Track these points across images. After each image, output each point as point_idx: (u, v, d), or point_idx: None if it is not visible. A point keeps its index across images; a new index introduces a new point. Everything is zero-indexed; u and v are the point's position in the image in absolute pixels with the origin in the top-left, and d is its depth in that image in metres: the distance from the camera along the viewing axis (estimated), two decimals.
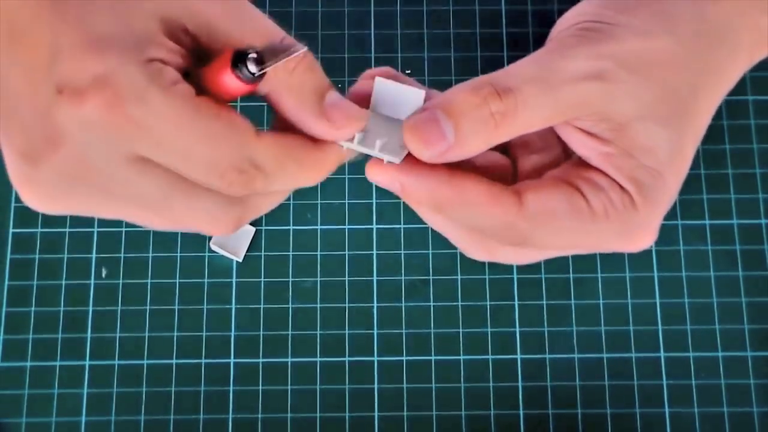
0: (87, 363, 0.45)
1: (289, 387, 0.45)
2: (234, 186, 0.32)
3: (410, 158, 0.32)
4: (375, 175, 0.33)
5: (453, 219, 0.35)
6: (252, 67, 0.31)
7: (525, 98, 0.32)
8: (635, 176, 0.34)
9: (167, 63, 0.31)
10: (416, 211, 0.35)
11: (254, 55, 0.31)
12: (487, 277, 0.48)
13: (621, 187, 0.34)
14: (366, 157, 0.33)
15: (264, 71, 0.31)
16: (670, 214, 0.48)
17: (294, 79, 0.32)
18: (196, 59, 0.33)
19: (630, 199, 0.34)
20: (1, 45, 0.31)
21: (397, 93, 0.33)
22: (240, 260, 0.45)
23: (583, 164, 0.35)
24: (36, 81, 0.31)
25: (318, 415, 0.45)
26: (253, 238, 0.45)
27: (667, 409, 0.45)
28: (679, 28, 0.34)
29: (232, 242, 0.44)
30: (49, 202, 0.33)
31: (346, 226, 0.47)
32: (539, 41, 0.45)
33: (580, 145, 0.35)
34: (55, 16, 0.31)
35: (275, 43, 0.32)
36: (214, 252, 0.48)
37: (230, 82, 0.31)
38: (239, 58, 0.31)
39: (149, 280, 0.47)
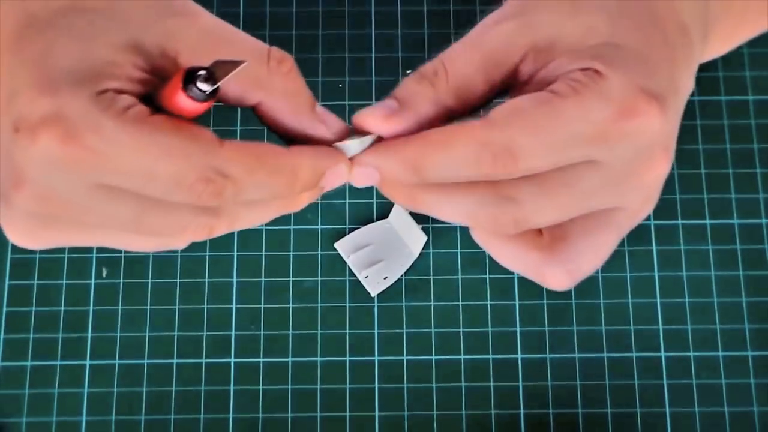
0: (87, 363, 0.45)
1: (289, 387, 0.45)
2: (204, 196, 0.32)
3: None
4: (355, 175, 0.35)
5: (441, 177, 0.34)
6: (203, 86, 0.31)
7: (450, 54, 0.35)
8: (588, 53, 0.33)
9: (123, 92, 0.32)
10: (480, 242, 0.35)
11: (203, 73, 0.31)
12: (487, 276, 0.48)
13: (581, 69, 0.33)
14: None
15: (217, 87, 0.31)
16: (670, 214, 0.48)
17: (289, 84, 0.34)
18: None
19: (593, 71, 0.33)
20: None
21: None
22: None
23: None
24: None
25: (318, 415, 0.45)
26: (253, 238, 0.45)
27: (667, 409, 0.45)
28: None
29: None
30: (31, 238, 0.34)
31: (347, 226, 0.47)
32: None
33: (540, 80, 0.35)
34: (14, 57, 0.32)
35: (224, 57, 0.32)
36: (215, 252, 0.48)
37: (183, 102, 0.32)
38: (190, 78, 0.31)
39: (149, 280, 0.47)
